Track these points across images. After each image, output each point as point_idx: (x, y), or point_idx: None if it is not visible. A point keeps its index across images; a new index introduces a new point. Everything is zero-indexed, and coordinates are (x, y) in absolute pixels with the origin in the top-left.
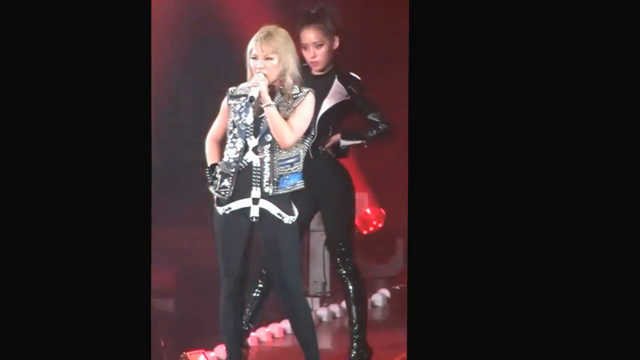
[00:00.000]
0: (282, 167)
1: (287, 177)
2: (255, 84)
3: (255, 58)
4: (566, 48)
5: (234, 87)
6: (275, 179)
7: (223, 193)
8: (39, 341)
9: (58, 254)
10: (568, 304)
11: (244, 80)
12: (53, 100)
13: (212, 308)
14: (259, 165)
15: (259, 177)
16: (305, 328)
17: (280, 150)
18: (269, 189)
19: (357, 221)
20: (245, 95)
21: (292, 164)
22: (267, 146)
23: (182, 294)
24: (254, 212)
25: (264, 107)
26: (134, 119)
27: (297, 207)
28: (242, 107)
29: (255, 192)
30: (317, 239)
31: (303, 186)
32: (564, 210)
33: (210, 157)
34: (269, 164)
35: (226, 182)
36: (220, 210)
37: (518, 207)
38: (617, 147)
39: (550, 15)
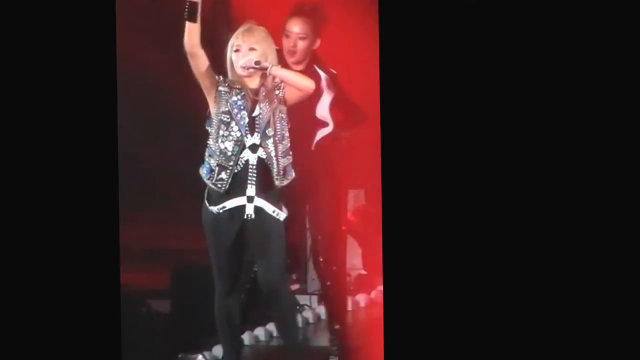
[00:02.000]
0: (284, 159)
1: (288, 167)
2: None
3: (237, 51)
4: (547, 42)
5: (221, 77)
6: (281, 171)
7: (220, 186)
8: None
9: (32, 253)
10: (553, 301)
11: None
12: (19, 95)
13: (208, 307)
14: (255, 163)
15: (254, 175)
16: (291, 326)
17: (281, 142)
18: (279, 182)
19: (350, 217)
20: (238, 89)
21: (289, 155)
22: (271, 140)
23: (176, 294)
24: (249, 210)
25: (270, 69)
26: (102, 118)
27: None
28: (235, 101)
29: (251, 190)
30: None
31: (294, 175)
32: (546, 204)
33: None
34: (275, 158)
35: (224, 175)
36: (215, 209)
37: (500, 208)
38: (600, 142)
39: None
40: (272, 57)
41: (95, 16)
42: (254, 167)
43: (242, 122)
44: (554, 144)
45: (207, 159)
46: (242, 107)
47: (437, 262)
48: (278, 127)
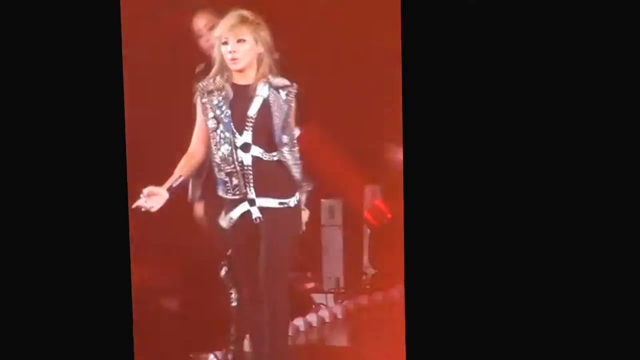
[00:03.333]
0: (296, 167)
1: (300, 175)
2: None
3: (225, 43)
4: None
5: (203, 83)
6: (302, 176)
7: (238, 193)
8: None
9: (38, 250)
10: (563, 304)
11: None
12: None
13: (219, 306)
14: (250, 164)
15: (251, 175)
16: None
17: (295, 151)
18: (305, 187)
19: (367, 215)
20: (218, 89)
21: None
22: (287, 147)
23: (187, 292)
24: (256, 213)
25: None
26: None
27: None
28: (217, 103)
29: (251, 193)
30: (330, 233)
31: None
32: (560, 208)
33: (179, 168)
34: (295, 165)
35: (235, 181)
36: (224, 224)
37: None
38: (606, 145)
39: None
40: (267, 50)
41: (99, 16)
42: (249, 167)
43: (225, 121)
44: (581, 142)
45: (217, 176)
46: (223, 107)
47: (459, 262)
48: (291, 133)
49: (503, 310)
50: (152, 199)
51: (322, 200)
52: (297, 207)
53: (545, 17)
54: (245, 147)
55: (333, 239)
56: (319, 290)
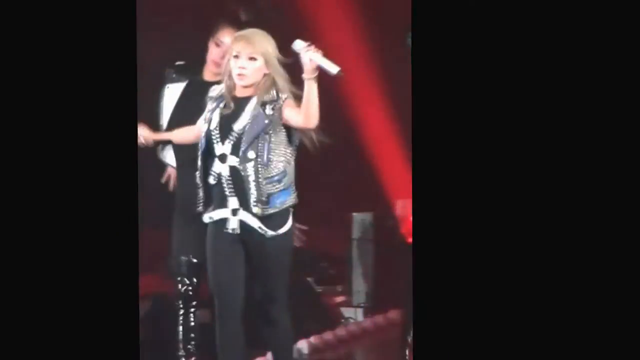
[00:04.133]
0: (269, 185)
1: (276, 195)
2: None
3: (237, 57)
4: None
5: (213, 88)
6: (263, 198)
7: (200, 208)
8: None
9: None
10: (569, 305)
11: None
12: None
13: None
14: (228, 174)
15: (231, 186)
16: (282, 342)
17: (266, 168)
18: (257, 210)
19: (403, 229)
20: (218, 98)
21: (279, 181)
22: (251, 163)
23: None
24: (233, 224)
25: (310, 78)
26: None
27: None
28: (210, 110)
29: (233, 203)
30: (359, 247)
31: (296, 201)
32: (589, 205)
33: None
34: (254, 183)
35: (200, 193)
36: (205, 217)
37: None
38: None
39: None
40: (276, 68)
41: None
42: (229, 178)
43: (214, 133)
44: (590, 138)
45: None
46: (214, 111)
47: (471, 273)
48: (261, 150)
49: (518, 327)
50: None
51: (353, 214)
52: (282, 240)
53: (557, 11)
54: (222, 158)
55: (363, 253)
56: (348, 304)
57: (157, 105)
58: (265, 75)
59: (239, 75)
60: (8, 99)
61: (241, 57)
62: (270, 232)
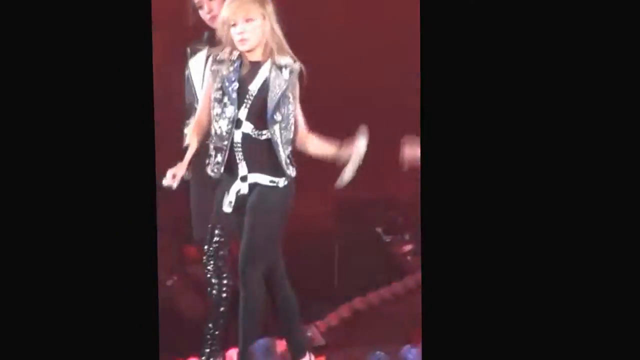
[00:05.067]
0: (288, 149)
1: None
2: None
3: (234, 25)
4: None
5: (215, 50)
6: (288, 160)
7: (215, 170)
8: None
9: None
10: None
11: None
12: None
13: (323, 273)
14: (239, 140)
15: (241, 152)
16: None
17: (287, 130)
18: (290, 171)
19: None
20: (229, 60)
21: (293, 143)
22: (277, 126)
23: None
24: (244, 190)
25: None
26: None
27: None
28: (230, 71)
29: (242, 169)
30: None
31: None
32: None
33: (190, 137)
34: (281, 146)
35: (219, 158)
36: (226, 208)
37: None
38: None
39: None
40: (277, 31)
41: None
42: (239, 144)
43: (233, 96)
44: (604, 135)
45: (209, 150)
46: (233, 79)
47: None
48: (285, 112)
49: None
50: (176, 178)
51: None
52: (286, 189)
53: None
54: (237, 123)
55: None
56: (416, 252)
57: (183, 83)
58: (263, 33)
59: (240, 41)
60: (31, 78)
61: (238, 23)
62: (281, 181)
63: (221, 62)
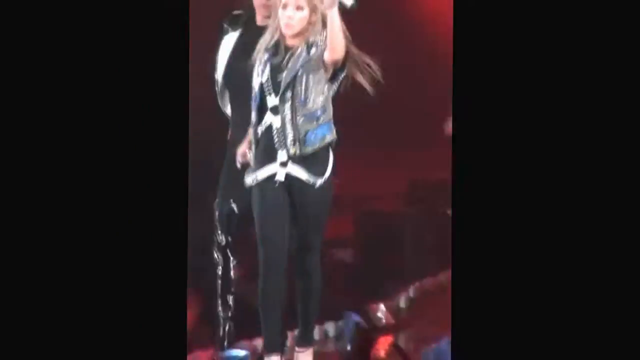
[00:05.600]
0: (307, 123)
1: (314, 131)
2: None
3: (285, 7)
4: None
5: (261, 41)
6: (300, 136)
7: (252, 161)
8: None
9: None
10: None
11: None
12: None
13: (394, 253)
14: (280, 125)
15: (282, 138)
16: (313, 294)
17: (304, 105)
18: (294, 150)
19: None
20: (269, 49)
21: (317, 117)
22: (288, 104)
23: (360, 242)
24: (280, 177)
25: (330, 8)
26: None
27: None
28: (260, 63)
29: (282, 155)
30: None
31: (334, 137)
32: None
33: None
34: (290, 123)
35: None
36: (248, 180)
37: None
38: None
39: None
40: (320, 21)
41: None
42: (279, 130)
43: (264, 79)
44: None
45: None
46: (267, 62)
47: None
48: (299, 88)
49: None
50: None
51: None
52: (324, 189)
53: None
54: (275, 110)
55: None
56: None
57: (213, 58)
58: (310, 24)
59: (287, 25)
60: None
61: (288, 7)
62: (318, 181)
63: (261, 51)
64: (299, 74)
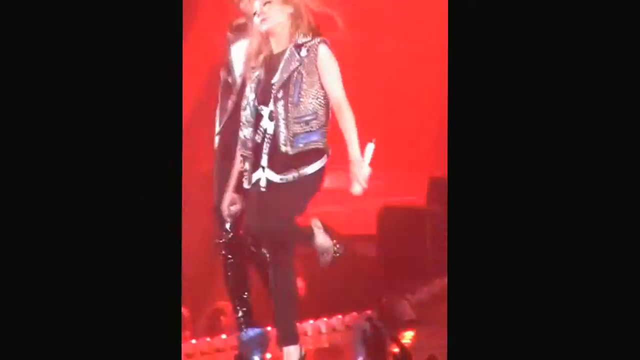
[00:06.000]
0: (297, 125)
1: (302, 135)
2: None
3: (255, 14)
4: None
5: (250, 61)
6: (290, 137)
7: (244, 179)
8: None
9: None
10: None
11: None
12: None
13: (417, 247)
14: (272, 132)
15: (269, 144)
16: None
17: (296, 107)
18: (286, 148)
19: None
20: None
21: (307, 122)
22: (281, 102)
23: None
24: (262, 182)
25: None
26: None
27: None
28: (256, 76)
29: (264, 160)
30: None
31: (321, 146)
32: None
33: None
34: (284, 122)
35: (247, 166)
36: (245, 184)
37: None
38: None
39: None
40: (297, 10)
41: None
42: (270, 135)
43: (251, 98)
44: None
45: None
46: (256, 76)
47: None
48: (292, 89)
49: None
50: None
51: None
52: (298, 181)
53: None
54: (271, 116)
55: None
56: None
57: (228, 64)
58: (290, 15)
59: (262, 20)
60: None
61: (257, 8)
62: (291, 176)
63: (253, 68)
64: (293, 75)
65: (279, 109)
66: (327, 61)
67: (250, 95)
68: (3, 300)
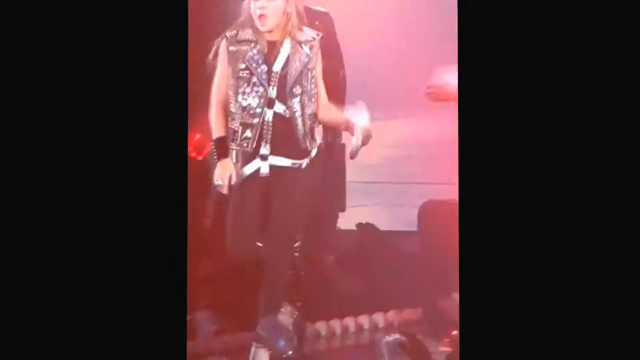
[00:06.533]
0: (311, 122)
1: (315, 131)
2: None
3: None
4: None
5: (234, 32)
6: (309, 133)
7: (245, 145)
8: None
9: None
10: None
11: None
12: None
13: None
14: (271, 120)
15: (270, 132)
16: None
17: (312, 102)
18: (306, 145)
19: None
20: (250, 41)
21: (316, 119)
22: (297, 99)
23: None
24: (264, 170)
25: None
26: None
27: None
28: (252, 55)
29: (265, 149)
30: None
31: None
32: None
33: (217, 128)
34: (301, 118)
35: (249, 133)
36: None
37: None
38: None
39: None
40: (295, 10)
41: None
42: (270, 123)
43: (263, 77)
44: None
45: (230, 125)
46: (260, 62)
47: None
48: (306, 85)
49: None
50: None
51: None
52: (310, 169)
53: None
54: (270, 103)
55: None
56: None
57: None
58: (286, 13)
59: (260, 17)
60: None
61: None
62: (305, 162)
63: (241, 42)
64: (304, 71)
65: (295, 106)
66: (320, 60)
67: (258, 86)
68: (9, 301)
